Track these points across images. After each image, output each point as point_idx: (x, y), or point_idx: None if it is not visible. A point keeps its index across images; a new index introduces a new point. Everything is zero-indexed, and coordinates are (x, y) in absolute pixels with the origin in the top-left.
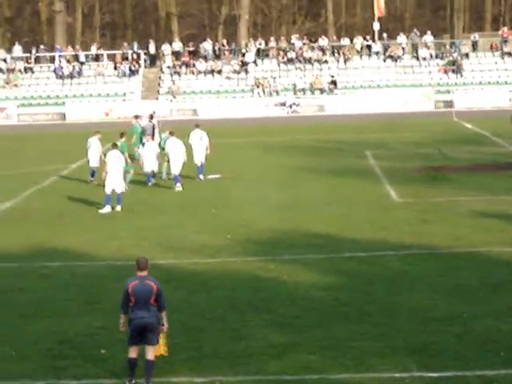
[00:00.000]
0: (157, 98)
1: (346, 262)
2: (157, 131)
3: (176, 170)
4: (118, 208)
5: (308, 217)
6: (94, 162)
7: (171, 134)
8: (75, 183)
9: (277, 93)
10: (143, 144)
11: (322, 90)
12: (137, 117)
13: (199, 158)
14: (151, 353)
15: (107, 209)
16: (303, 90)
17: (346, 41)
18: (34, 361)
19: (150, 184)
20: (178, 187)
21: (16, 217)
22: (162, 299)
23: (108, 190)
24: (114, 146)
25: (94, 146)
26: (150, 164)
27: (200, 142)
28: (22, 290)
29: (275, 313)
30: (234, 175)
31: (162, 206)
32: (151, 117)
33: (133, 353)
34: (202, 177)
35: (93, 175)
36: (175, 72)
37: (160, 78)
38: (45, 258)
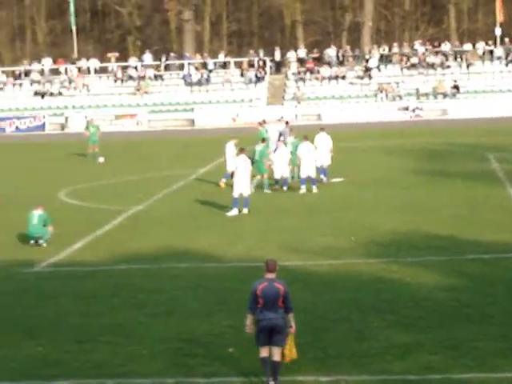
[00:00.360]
0: (282, 104)
1: (468, 263)
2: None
3: (305, 173)
4: (245, 211)
5: (430, 219)
6: (229, 166)
7: (305, 138)
8: (204, 187)
9: (400, 97)
10: (274, 149)
11: (444, 95)
12: (262, 123)
13: (321, 161)
14: (278, 354)
15: (234, 212)
16: (426, 94)
17: (468, 46)
18: (163, 359)
19: (285, 188)
20: (303, 189)
21: (147, 219)
22: (289, 301)
23: (236, 194)
24: (242, 150)
25: (230, 150)
26: (280, 170)
27: (323, 144)
28: (151, 291)
29: (398, 314)
30: (356, 178)
31: (286, 208)
32: (287, 122)
33: (264, 352)
34: (325, 179)
35: (227, 178)
36: (300, 78)
37: (285, 84)
38: (174, 259)
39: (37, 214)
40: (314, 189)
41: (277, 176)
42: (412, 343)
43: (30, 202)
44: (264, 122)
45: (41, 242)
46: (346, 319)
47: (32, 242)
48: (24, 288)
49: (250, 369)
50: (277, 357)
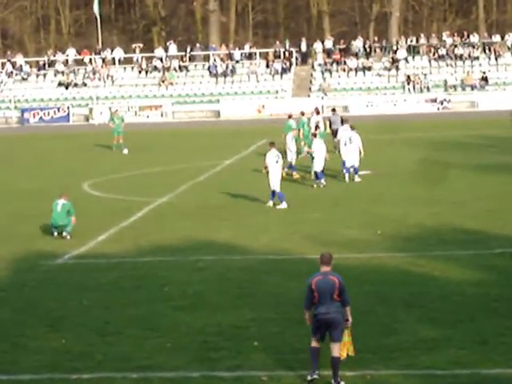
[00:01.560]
0: (308, 96)
1: (496, 257)
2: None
3: (319, 167)
4: (270, 203)
5: (457, 212)
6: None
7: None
8: (229, 178)
9: (428, 89)
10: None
11: (472, 87)
12: (302, 113)
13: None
14: (337, 349)
15: (284, 205)
16: (454, 86)
17: (496, 37)
18: (188, 352)
19: (322, 181)
20: (323, 183)
21: (172, 211)
22: (345, 294)
23: (274, 187)
24: (272, 144)
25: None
26: (320, 163)
27: (350, 144)
28: (177, 283)
29: (426, 308)
30: (384, 171)
31: (312, 200)
32: (334, 110)
33: (315, 343)
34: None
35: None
36: (326, 69)
37: (311, 75)
38: (199, 251)
39: (61, 202)
40: (357, 178)
41: (317, 169)
42: (440, 338)
43: (55, 193)
44: (303, 113)
45: (65, 234)
46: (373, 313)
47: (55, 233)
48: (48, 280)
49: (275, 362)
50: (335, 352)
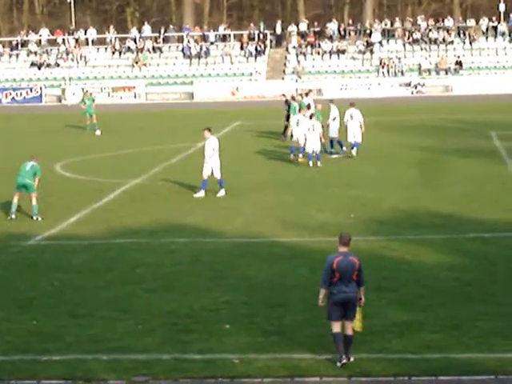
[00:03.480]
0: (282, 78)
1: (469, 242)
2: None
3: (310, 147)
4: (222, 192)
5: (431, 196)
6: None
7: (311, 117)
8: (202, 161)
9: (402, 73)
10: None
11: (447, 71)
12: (293, 98)
13: (352, 137)
14: (350, 328)
15: (201, 193)
16: (428, 70)
17: (471, 22)
18: (160, 335)
19: (310, 163)
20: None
21: (145, 193)
22: (362, 275)
23: (216, 174)
24: (210, 131)
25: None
26: (311, 143)
27: (351, 120)
28: (149, 265)
29: (398, 292)
30: (358, 155)
31: (286, 183)
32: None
33: (336, 327)
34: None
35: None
36: (301, 52)
37: (286, 58)
38: (172, 234)
39: (30, 164)
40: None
41: (308, 149)
42: (412, 322)
43: None
44: (294, 97)
45: (34, 218)
46: None
47: (13, 215)
48: (19, 261)
49: (247, 345)
50: (349, 331)
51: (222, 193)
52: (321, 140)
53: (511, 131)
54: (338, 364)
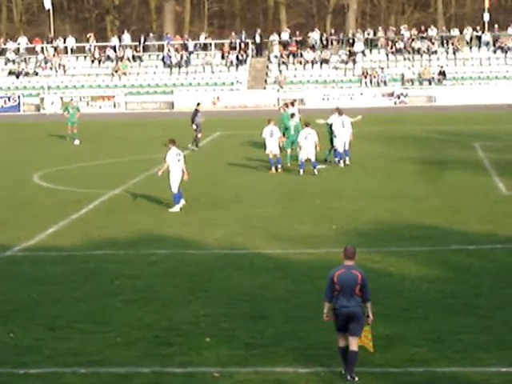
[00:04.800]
0: (264, 88)
1: (452, 254)
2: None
3: (304, 155)
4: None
5: (414, 208)
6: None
7: (307, 125)
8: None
9: (385, 83)
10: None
11: (430, 81)
12: (285, 106)
13: (341, 145)
14: (355, 344)
15: (177, 208)
16: (411, 80)
17: (455, 31)
18: (139, 347)
19: (301, 172)
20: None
21: (124, 204)
22: (366, 289)
23: (173, 188)
24: (172, 142)
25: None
26: (306, 152)
27: (343, 128)
28: (129, 277)
29: (381, 305)
30: (340, 166)
31: (268, 194)
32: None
33: (342, 342)
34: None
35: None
36: (283, 62)
37: (267, 67)
38: (152, 245)
39: None
40: (315, 171)
41: (302, 157)
42: (394, 335)
43: (3, 185)
44: (287, 105)
45: None
46: None
47: None
48: None
49: (227, 358)
50: (354, 346)
51: (176, 208)
52: (316, 148)
53: (495, 142)
54: (348, 377)
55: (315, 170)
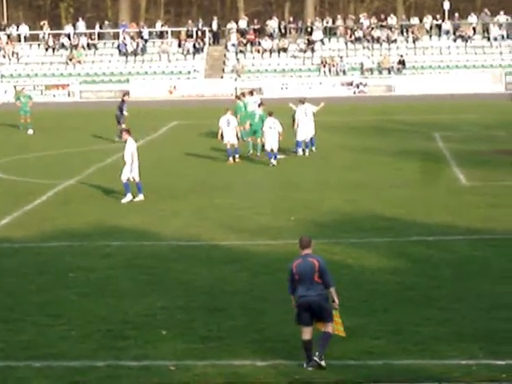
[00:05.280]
0: (221, 77)
1: (412, 245)
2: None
3: (269, 145)
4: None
5: (374, 199)
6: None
7: (270, 114)
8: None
9: (343, 72)
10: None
11: (389, 70)
12: (241, 96)
13: (303, 135)
14: (329, 326)
15: (128, 197)
16: (371, 69)
17: (415, 20)
18: (94, 341)
19: (273, 162)
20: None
21: (78, 195)
22: (326, 275)
23: (136, 177)
24: (128, 132)
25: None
26: (270, 141)
27: (306, 117)
28: (83, 269)
29: (340, 296)
30: (299, 156)
31: (225, 185)
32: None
33: (305, 334)
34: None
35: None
36: (240, 50)
37: (225, 55)
38: (107, 237)
39: None
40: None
41: (268, 147)
42: (353, 327)
43: None
44: (243, 95)
45: None
46: (285, 301)
47: None
48: None
49: (184, 351)
50: (328, 328)
51: (140, 197)
52: (279, 138)
53: (455, 132)
54: (304, 366)
55: (274, 161)
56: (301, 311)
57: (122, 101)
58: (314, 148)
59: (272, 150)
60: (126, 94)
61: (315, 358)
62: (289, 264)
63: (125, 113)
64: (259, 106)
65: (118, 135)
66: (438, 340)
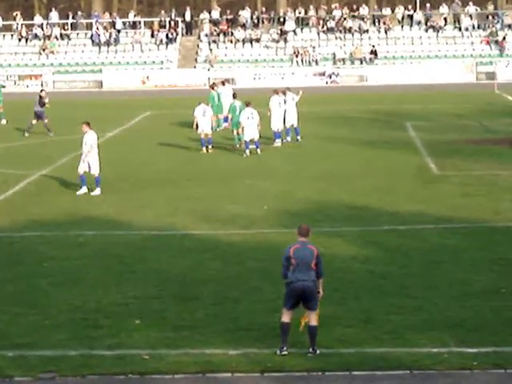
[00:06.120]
0: (194, 67)
1: (383, 234)
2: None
3: (249, 135)
4: (98, 191)
5: (346, 188)
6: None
7: (247, 105)
8: (111, 152)
9: (316, 62)
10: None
11: (361, 60)
12: (213, 85)
13: (277, 125)
14: (314, 318)
15: (98, 191)
16: (343, 59)
17: (387, 10)
18: (67, 330)
19: (247, 152)
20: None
21: (51, 185)
22: (321, 265)
23: (95, 171)
24: (88, 125)
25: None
26: (250, 132)
27: (279, 108)
28: (56, 259)
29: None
30: (271, 146)
31: (199, 175)
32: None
33: (286, 317)
34: (289, 139)
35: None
36: (213, 40)
37: (198, 46)
38: (80, 226)
39: None
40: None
41: (247, 138)
42: (325, 315)
43: None
44: (215, 84)
45: None
46: (258, 289)
47: None
48: None
49: (157, 340)
50: (314, 321)
51: (97, 192)
52: (258, 128)
53: (426, 122)
54: (278, 352)
55: (258, 150)
56: (292, 294)
57: (40, 97)
58: (298, 137)
59: (252, 141)
60: (43, 90)
61: (311, 351)
62: (285, 249)
63: (39, 109)
64: (234, 96)
65: (27, 130)
66: (409, 328)
